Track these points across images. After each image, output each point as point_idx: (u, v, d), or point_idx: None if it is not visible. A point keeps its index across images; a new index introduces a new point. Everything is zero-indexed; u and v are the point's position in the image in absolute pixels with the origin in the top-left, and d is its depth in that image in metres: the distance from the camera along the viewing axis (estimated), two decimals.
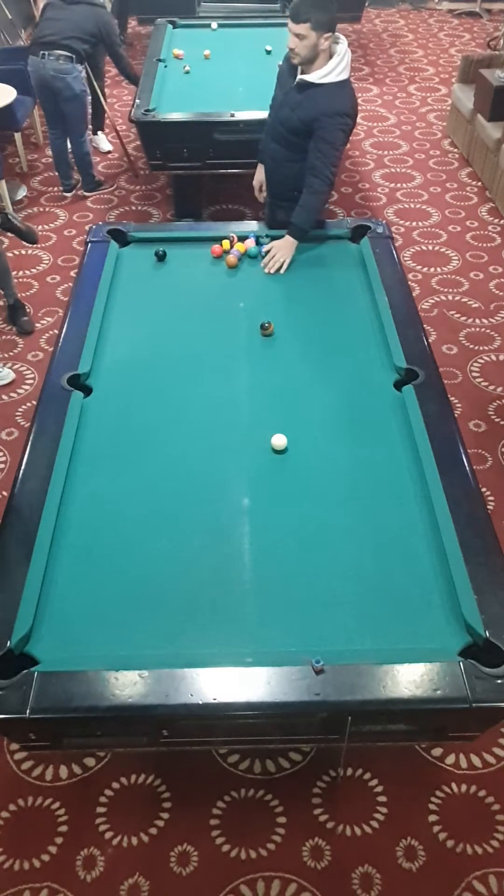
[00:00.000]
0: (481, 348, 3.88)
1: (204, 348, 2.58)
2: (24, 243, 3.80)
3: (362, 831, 2.19)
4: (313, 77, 2.77)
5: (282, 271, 2.82)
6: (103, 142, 5.71)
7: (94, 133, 5.60)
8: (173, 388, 2.42)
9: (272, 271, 2.82)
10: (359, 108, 2.91)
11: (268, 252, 2.94)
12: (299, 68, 2.82)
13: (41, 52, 4.48)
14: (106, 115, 5.51)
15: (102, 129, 5.71)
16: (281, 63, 3.05)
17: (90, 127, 5.24)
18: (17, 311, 4.02)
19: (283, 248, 2.86)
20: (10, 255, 4.38)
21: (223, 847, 2.16)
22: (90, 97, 4.90)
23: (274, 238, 3.02)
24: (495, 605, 1.75)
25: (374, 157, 5.58)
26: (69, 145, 4.97)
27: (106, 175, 5.37)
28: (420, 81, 6.85)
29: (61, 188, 5.17)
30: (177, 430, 2.26)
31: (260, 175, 3.38)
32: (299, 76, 2.82)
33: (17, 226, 3.61)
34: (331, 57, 2.77)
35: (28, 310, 4.10)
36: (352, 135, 2.91)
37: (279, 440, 2.17)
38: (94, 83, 5.07)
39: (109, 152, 5.65)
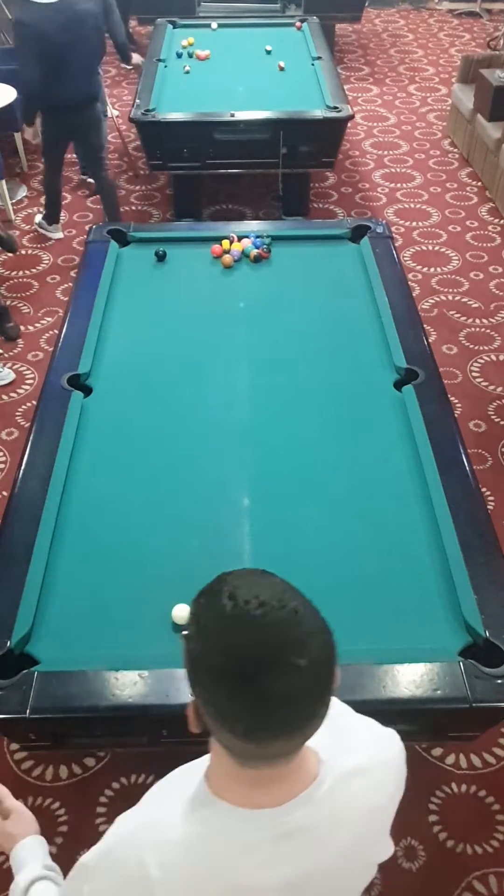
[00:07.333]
0: (481, 348, 3.88)
1: (204, 348, 2.57)
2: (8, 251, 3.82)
3: None
4: None
5: None
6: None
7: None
8: (173, 387, 2.42)
9: None
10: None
11: (260, 253, 2.97)
12: None
13: None
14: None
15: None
16: None
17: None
18: (2, 318, 3.94)
19: None
20: (9, 255, 4.39)
21: None
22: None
23: (274, 238, 3.02)
24: (495, 605, 1.75)
25: (374, 157, 5.57)
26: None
27: None
28: (420, 81, 6.85)
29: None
30: (177, 429, 2.26)
31: None
32: None
33: None
34: None
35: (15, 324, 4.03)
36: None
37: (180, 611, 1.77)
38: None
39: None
